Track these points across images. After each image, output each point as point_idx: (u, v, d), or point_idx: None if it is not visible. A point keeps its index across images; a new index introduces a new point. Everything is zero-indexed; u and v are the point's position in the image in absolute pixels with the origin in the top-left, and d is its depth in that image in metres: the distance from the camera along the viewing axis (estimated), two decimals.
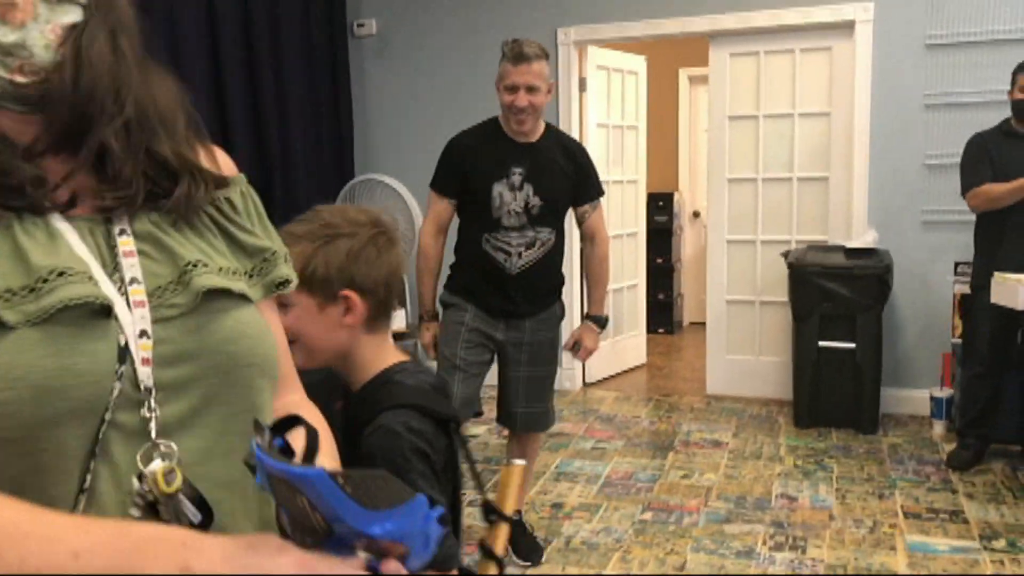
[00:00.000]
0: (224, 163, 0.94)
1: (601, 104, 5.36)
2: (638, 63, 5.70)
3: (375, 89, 5.50)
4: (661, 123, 7.09)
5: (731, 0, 4.77)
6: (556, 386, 5.38)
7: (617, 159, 5.56)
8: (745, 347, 5.13)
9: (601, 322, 3.12)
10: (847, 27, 4.61)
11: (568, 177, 2.91)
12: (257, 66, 4.47)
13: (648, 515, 3.45)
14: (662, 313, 7.16)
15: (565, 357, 5.27)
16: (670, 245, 7.13)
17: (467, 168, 2.86)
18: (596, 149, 5.30)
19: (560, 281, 3.07)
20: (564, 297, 3.16)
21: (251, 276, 0.89)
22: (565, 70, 5.08)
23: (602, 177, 5.40)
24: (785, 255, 4.62)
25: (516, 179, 2.83)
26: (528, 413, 3.02)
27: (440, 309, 3.02)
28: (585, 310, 3.29)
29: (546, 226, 2.88)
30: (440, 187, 2.95)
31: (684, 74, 7.23)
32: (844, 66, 4.68)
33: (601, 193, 3.05)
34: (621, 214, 5.62)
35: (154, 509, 0.75)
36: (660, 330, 7.11)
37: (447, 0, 5.25)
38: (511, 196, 2.82)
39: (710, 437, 4.41)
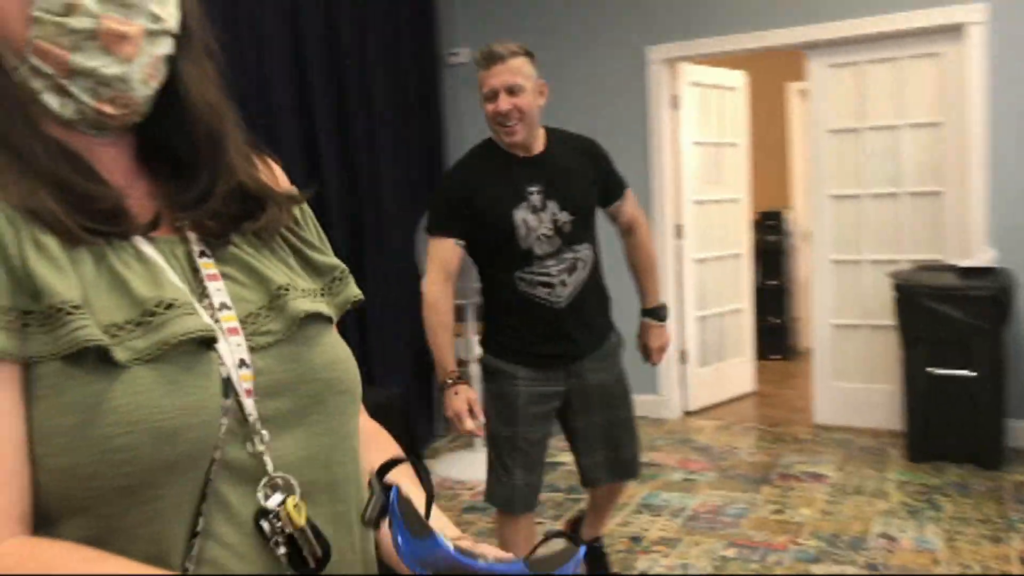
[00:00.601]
0: (280, 175, 0.91)
1: (697, 122, 5.20)
2: (736, 78, 5.51)
3: (467, 118, 5.55)
4: (767, 139, 6.83)
5: (828, 9, 4.54)
6: (654, 414, 5.31)
7: (715, 177, 5.38)
8: (854, 374, 4.81)
9: (659, 314, 2.74)
10: (956, 31, 4.29)
11: (590, 180, 2.54)
12: (346, 96, 4.58)
13: (731, 551, 3.26)
14: (775, 338, 6.84)
15: (663, 385, 5.12)
16: (782, 266, 6.83)
17: (475, 201, 2.44)
18: (692, 168, 5.16)
19: (608, 300, 2.68)
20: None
21: (323, 295, 0.85)
22: (655, 89, 4.97)
23: (699, 197, 5.37)
24: (893, 275, 4.32)
25: (536, 199, 2.44)
26: (614, 460, 2.63)
27: (481, 377, 2.60)
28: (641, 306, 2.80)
29: (582, 242, 2.51)
30: (442, 228, 2.48)
31: (792, 88, 6.95)
32: (955, 73, 4.36)
33: (626, 184, 2.69)
34: (722, 234, 5.42)
35: (294, 543, 0.72)
36: (773, 356, 6.80)
37: (535, 26, 5.24)
38: (536, 219, 2.43)
39: (811, 470, 4.15)
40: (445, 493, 4.04)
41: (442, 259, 2.46)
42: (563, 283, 2.47)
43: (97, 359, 0.66)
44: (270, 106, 4.08)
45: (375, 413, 2.60)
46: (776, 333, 6.85)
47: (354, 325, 4.48)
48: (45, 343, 0.66)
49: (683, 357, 5.22)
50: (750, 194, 5.80)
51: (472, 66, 5.45)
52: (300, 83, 4.32)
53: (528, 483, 2.51)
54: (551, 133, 2.56)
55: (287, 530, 0.72)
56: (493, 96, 2.39)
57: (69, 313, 0.66)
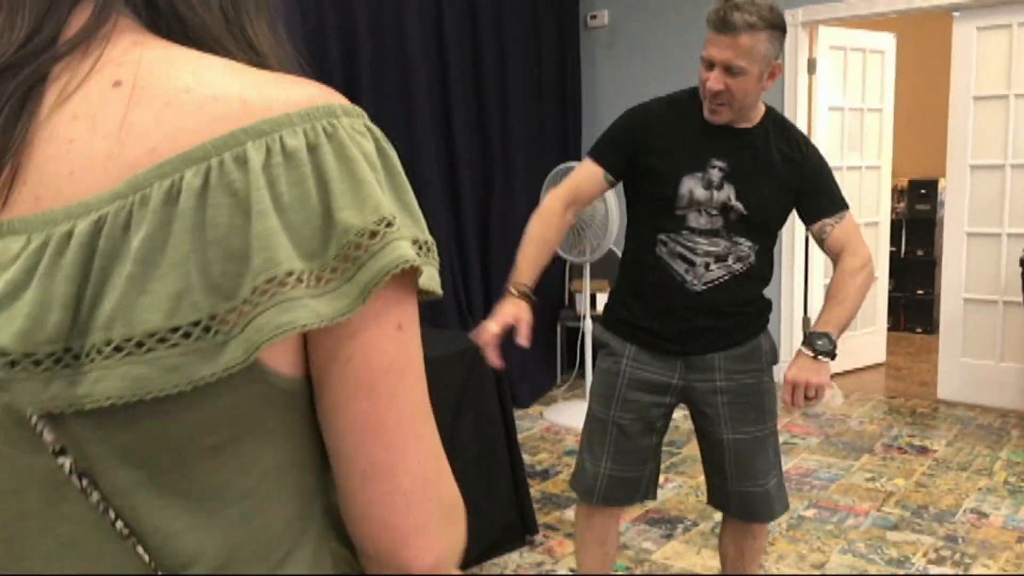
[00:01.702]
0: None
1: (836, 86, 5.10)
2: (884, 41, 5.33)
3: (605, 81, 5.68)
4: (921, 105, 6.52)
5: None
6: (776, 380, 5.27)
7: (854, 144, 5.26)
8: (984, 351, 4.65)
9: (818, 345, 2.01)
10: None
11: (787, 185, 2.08)
12: (480, 56, 4.83)
13: (811, 512, 3.34)
14: (920, 311, 6.61)
15: (783, 350, 5.13)
16: (932, 237, 6.56)
17: (650, 147, 2.08)
18: (827, 133, 5.08)
19: (766, 307, 2.23)
20: None
21: None
22: (792, 52, 4.91)
23: (836, 163, 5.26)
24: None
25: (715, 175, 2.04)
26: (741, 493, 2.16)
27: (599, 350, 2.27)
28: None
29: (747, 239, 2.07)
30: (599, 154, 2.16)
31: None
32: None
33: (845, 206, 2.14)
34: (859, 202, 5.31)
35: None
36: (918, 329, 6.59)
37: None
38: (705, 195, 2.04)
39: (919, 443, 4.10)
40: (550, 437, 4.30)
41: (579, 182, 2.17)
42: (705, 266, 2.07)
43: None
44: (406, 68, 4.41)
45: (475, 364, 2.74)
46: (921, 307, 6.61)
47: (479, 285, 4.79)
48: None
49: (807, 325, 5.20)
50: (892, 162, 5.61)
51: (611, 30, 5.60)
52: (436, 43, 4.60)
53: (615, 475, 2.17)
54: (771, 116, 2.12)
55: None
56: (709, 65, 1.97)
57: None
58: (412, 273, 0.58)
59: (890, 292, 5.97)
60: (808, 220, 2.13)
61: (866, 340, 5.55)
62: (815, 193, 2.11)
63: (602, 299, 5.14)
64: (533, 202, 4.91)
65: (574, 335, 5.16)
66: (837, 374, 5.33)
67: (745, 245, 2.07)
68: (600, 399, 2.19)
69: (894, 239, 6.19)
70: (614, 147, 2.15)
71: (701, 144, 2.06)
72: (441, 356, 2.79)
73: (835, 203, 2.13)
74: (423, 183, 4.41)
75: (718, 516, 3.32)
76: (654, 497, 2.28)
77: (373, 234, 0.55)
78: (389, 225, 0.56)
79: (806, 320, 5.18)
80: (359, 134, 0.58)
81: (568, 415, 4.56)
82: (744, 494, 2.16)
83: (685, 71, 5.28)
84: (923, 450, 4.01)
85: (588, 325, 4.61)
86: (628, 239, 2.22)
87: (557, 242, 2.18)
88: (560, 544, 3.11)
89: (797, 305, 5.13)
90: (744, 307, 2.13)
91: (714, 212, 2.05)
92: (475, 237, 4.85)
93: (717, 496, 2.23)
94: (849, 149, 5.23)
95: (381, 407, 0.59)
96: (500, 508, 2.97)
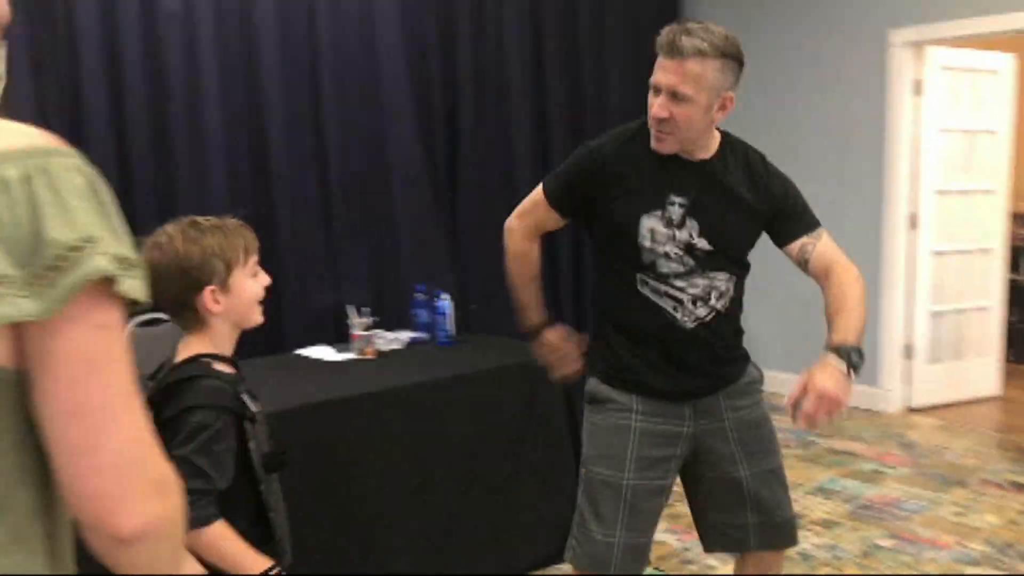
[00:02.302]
0: None
1: (945, 108, 4.95)
2: (1001, 61, 5.13)
3: None
4: None
5: None
6: (868, 406, 5.15)
7: (965, 166, 5.08)
8: None
9: (854, 360, 1.82)
10: None
11: (754, 211, 1.98)
12: (577, 57, 4.91)
13: (888, 542, 3.27)
14: None
15: (883, 378, 5.00)
16: None
17: (608, 188, 1.97)
18: (936, 156, 4.93)
19: (742, 338, 2.12)
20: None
21: None
22: (896, 73, 4.81)
23: (945, 187, 5.10)
24: None
25: (675, 212, 1.93)
26: (764, 524, 2.05)
27: (584, 406, 2.11)
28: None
29: (723, 271, 1.98)
30: (557, 197, 2.06)
31: None
32: None
33: (818, 223, 2.06)
34: (970, 227, 5.12)
35: None
36: None
37: (771, 3, 5.27)
38: (666, 235, 1.93)
39: (1019, 480, 3.92)
40: None
41: (541, 221, 2.12)
42: (694, 303, 1.96)
43: None
44: (502, 73, 4.55)
45: (542, 376, 2.82)
46: None
47: (570, 283, 4.88)
48: None
49: (908, 352, 5.04)
50: (1011, 186, 5.37)
51: None
52: (533, 44, 4.69)
53: (631, 543, 1.98)
54: (728, 143, 2.03)
55: None
56: (656, 91, 1.86)
57: None
58: (111, 282, 0.72)
59: (1012, 322, 5.70)
60: (783, 242, 2.04)
61: (977, 371, 5.32)
62: (787, 214, 2.02)
63: None
64: None
65: None
66: (940, 405, 5.13)
67: (721, 279, 1.98)
68: (606, 461, 1.99)
69: (1015, 266, 5.91)
70: (568, 190, 2.05)
71: (657, 180, 1.94)
72: (509, 366, 2.92)
73: (809, 221, 2.04)
74: (518, 186, 4.56)
75: None
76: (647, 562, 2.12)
77: (77, 249, 0.69)
78: (91, 242, 0.70)
79: (908, 347, 5.02)
80: (70, 171, 0.72)
81: None
82: (767, 525, 2.05)
83: (787, 79, 5.25)
84: (1021, 487, 3.83)
85: None
86: (604, 281, 2.09)
87: (538, 273, 2.19)
88: None
89: (897, 334, 4.98)
90: (732, 341, 2.06)
91: (680, 252, 1.94)
92: (568, 247, 4.91)
93: (734, 535, 2.07)
94: (960, 172, 5.06)
95: (84, 393, 0.71)
96: (560, 519, 3.05)
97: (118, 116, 3.38)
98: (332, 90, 3.91)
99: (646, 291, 1.96)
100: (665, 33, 1.85)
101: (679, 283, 1.95)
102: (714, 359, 2.01)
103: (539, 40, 4.76)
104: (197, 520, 1.40)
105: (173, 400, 1.44)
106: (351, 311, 3.22)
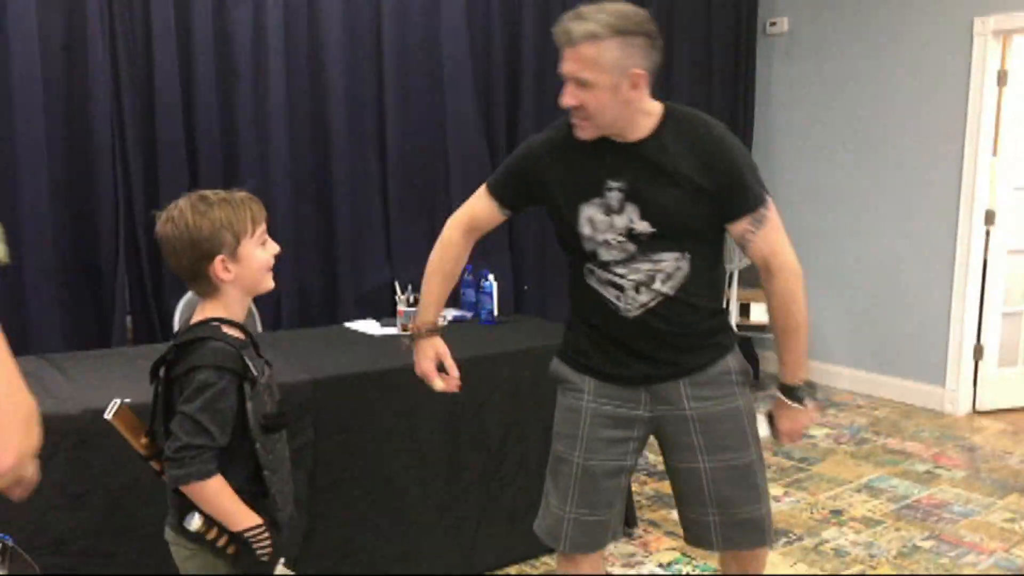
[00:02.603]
0: None
1: None
2: None
3: (781, 89, 5.59)
4: None
5: None
6: (933, 406, 4.99)
7: None
8: None
9: (795, 393, 1.97)
10: None
11: (697, 188, 1.88)
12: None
13: (928, 543, 3.21)
14: None
15: (950, 378, 4.85)
16: None
17: (546, 179, 1.99)
18: (1017, 151, 4.74)
19: (718, 324, 2.05)
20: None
21: None
22: (980, 63, 4.63)
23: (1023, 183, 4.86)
24: None
25: (614, 198, 1.91)
26: (726, 524, 2.02)
27: (557, 386, 2.14)
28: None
29: (669, 251, 1.92)
30: (495, 188, 2.09)
31: None
32: None
33: (761, 201, 1.92)
34: None
35: None
36: None
37: None
38: (606, 222, 1.92)
39: None
40: None
41: (475, 212, 2.13)
42: (636, 290, 1.94)
43: None
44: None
45: None
46: None
47: None
48: None
49: (978, 353, 4.88)
50: None
51: (791, 37, 5.50)
52: None
53: (581, 519, 2.03)
54: (671, 116, 1.94)
55: None
56: (564, 82, 1.86)
57: None
58: None
59: None
60: (725, 221, 1.94)
61: None
62: (730, 191, 1.90)
63: (757, 308, 5.10)
64: None
65: None
66: (1009, 408, 4.95)
67: (667, 260, 1.92)
68: (564, 439, 2.05)
69: None
70: (507, 180, 2.08)
71: (592, 168, 1.92)
72: (546, 346, 2.96)
73: (752, 201, 1.91)
74: None
75: (825, 533, 3.28)
76: (624, 537, 2.20)
77: None
78: None
79: (978, 348, 4.86)
80: None
81: None
82: (729, 524, 2.01)
83: (866, 79, 5.12)
84: None
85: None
86: (568, 269, 2.08)
87: (457, 273, 2.19)
88: (657, 540, 3.20)
89: (968, 334, 4.82)
90: (691, 327, 1.97)
91: (621, 239, 1.91)
92: None
93: (697, 531, 2.06)
94: None
95: None
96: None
97: (188, 94, 3.54)
98: (393, 70, 4.00)
99: (591, 280, 1.97)
100: (559, 22, 1.84)
101: (620, 270, 1.93)
102: (664, 346, 1.97)
103: None
104: (198, 474, 1.51)
105: (183, 359, 1.56)
106: (398, 287, 3.32)
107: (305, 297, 3.89)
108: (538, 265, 4.55)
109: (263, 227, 1.67)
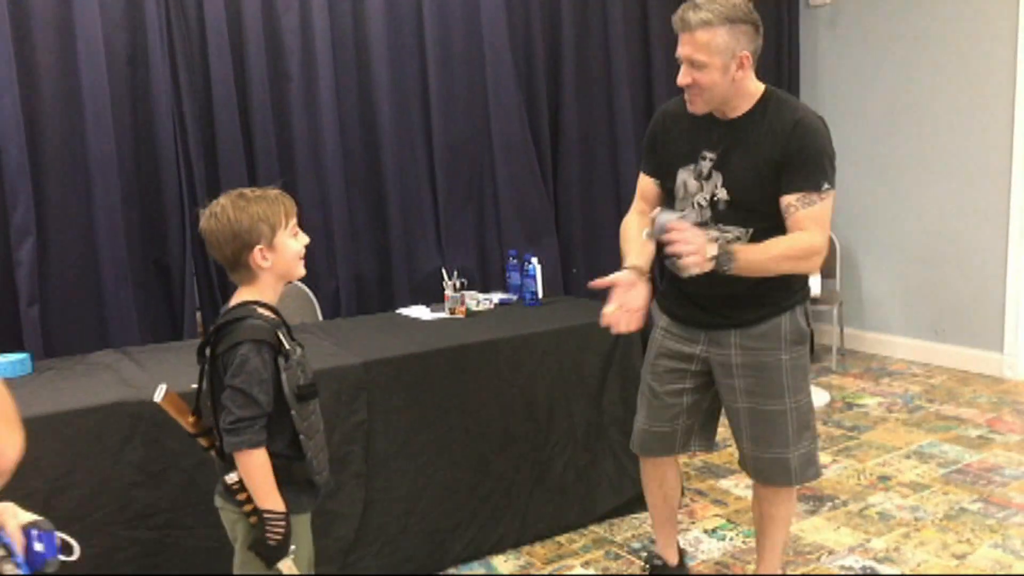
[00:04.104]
0: None
1: None
2: None
3: (826, 62, 5.57)
4: None
5: None
6: (991, 372, 4.93)
7: None
8: None
9: (726, 251, 2.07)
10: None
11: (769, 161, 2.14)
12: None
13: (976, 506, 3.24)
14: None
15: (1009, 342, 4.81)
16: None
17: (662, 142, 2.35)
18: None
19: (771, 289, 2.24)
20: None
21: None
22: None
23: None
24: None
25: (705, 166, 2.23)
26: (757, 458, 2.37)
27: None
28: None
29: (735, 225, 2.21)
30: (641, 163, 2.47)
31: None
32: None
33: (817, 187, 2.11)
34: None
35: None
36: None
37: None
38: (696, 186, 2.25)
39: None
40: None
41: (640, 190, 2.45)
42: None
43: None
44: (607, 46, 4.67)
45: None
46: None
47: None
48: None
49: None
50: None
51: (835, 8, 5.47)
52: (639, 19, 4.79)
53: (652, 430, 2.47)
54: (769, 99, 2.21)
55: None
56: (680, 62, 2.17)
57: None
58: None
59: None
60: (780, 192, 2.14)
61: None
62: (792, 167, 2.12)
63: (811, 281, 5.11)
64: None
65: None
66: None
67: (733, 233, 2.21)
68: (645, 364, 2.52)
69: None
70: (647, 154, 2.43)
71: (695, 137, 2.26)
72: (588, 325, 3.09)
73: (807, 183, 2.12)
74: (620, 154, 4.68)
75: (871, 498, 3.34)
76: (704, 449, 2.57)
77: None
78: None
79: None
80: None
81: None
82: (760, 459, 2.36)
83: (912, 52, 5.08)
84: None
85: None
86: None
87: (645, 240, 2.29)
88: (703, 508, 3.31)
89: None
90: (735, 290, 2.20)
91: (704, 204, 2.24)
92: None
93: (742, 459, 2.45)
94: None
95: None
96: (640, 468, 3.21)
97: (243, 97, 3.75)
98: (436, 64, 4.15)
99: None
100: (677, 12, 2.15)
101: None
102: (726, 303, 2.29)
103: (644, 7, 4.83)
104: (250, 442, 1.69)
105: (224, 338, 1.74)
106: (445, 273, 3.48)
107: (361, 286, 4.08)
108: (585, 248, 4.66)
109: (294, 220, 1.86)
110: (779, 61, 5.46)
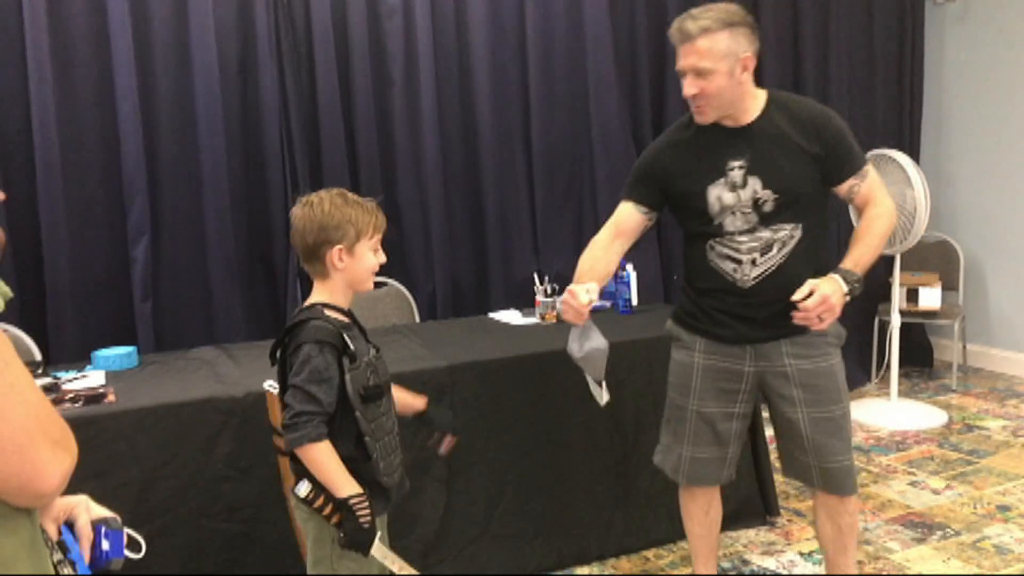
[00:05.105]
0: None
1: None
2: None
3: (954, 61, 5.24)
4: None
5: None
6: None
7: None
8: None
9: (853, 285, 2.10)
10: None
11: (808, 155, 2.17)
12: (800, 25, 4.77)
13: None
14: None
15: None
16: None
17: (671, 173, 2.28)
18: None
19: None
20: None
21: None
22: None
23: None
24: None
25: (736, 175, 2.19)
26: (824, 468, 2.29)
27: (672, 343, 2.44)
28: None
29: (787, 221, 2.19)
30: (628, 192, 2.37)
31: None
32: None
33: (864, 161, 2.23)
34: None
35: None
36: None
37: None
38: (733, 197, 2.19)
39: None
40: None
41: (617, 218, 2.37)
42: (752, 262, 2.20)
43: None
44: None
45: None
46: None
47: None
48: None
49: None
50: None
51: (964, 3, 5.14)
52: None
53: (699, 457, 2.37)
54: (774, 99, 2.24)
55: None
56: (683, 75, 2.16)
57: None
58: None
59: None
60: (834, 182, 2.23)
61: None
62: (836, 155, 2.19)
63: (926, 293, 4.83)
64: None
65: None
66: None
67: (786, 230, 2.19)
68: (678, 389, 2.39)
69: None
70: (637, 183, 2.36)
71: (714, 152, 2.22)
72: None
73: (856, 161, 2.22)
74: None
75: (987, 529, 3.12)
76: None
77: None
78: None
79: None
80: None
81: (869, 412, 4.42)
82: (827, 469, 2.27)
83: (999, 29, 4.70)
84: None
85: (896, 320, 4.39)
86: (685, 248, 2.36)
87: (606, 272, 2.32)
88: (800, 530, 3.16)
89: None
90: (792, 294, 2.12)
91: (747, 210, 2.19)
92: None
93: (799, 469, 2.32)
94: None
95: None
96: (736, 484, 3.10)
97: (347, 102, 3.83)
98: (537, 70, 4.13)
99: (712, 256, 2.25)
100: (673, 25, 2.15)
101: (742, 238, 2.20)
102: (778, 312, 2.20)
103: (755, 14, 4.67)
104: (309, 437, 1.71)
105: (292, 339, 1.78)
106: (537, 278, 3.45)
107: (458, 289, 4.11)
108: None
109: (379, 236, 1.87)
110: (901, 57, 5.17)
